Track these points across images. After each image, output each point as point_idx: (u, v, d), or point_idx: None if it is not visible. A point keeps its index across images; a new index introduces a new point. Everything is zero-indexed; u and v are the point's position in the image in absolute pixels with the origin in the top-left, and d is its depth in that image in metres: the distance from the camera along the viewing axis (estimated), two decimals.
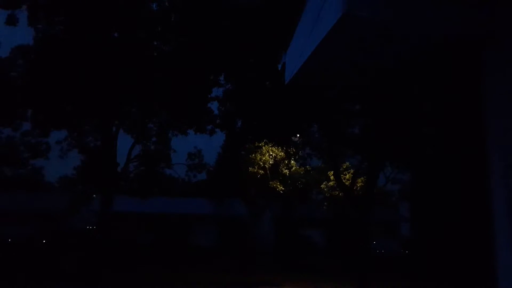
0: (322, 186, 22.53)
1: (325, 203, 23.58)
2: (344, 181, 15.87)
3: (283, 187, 22.01)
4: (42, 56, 14.55)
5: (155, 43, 13.24)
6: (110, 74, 13.75)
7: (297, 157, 22.31)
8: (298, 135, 17.82)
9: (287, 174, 22.19)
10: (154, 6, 13.61)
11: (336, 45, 2.17)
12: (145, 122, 17.41)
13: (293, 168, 22.35)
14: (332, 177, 18.86)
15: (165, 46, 13.20)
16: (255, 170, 21.49)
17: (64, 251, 22.19)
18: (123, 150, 18.77)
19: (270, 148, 20.17)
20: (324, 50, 2.24)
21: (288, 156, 21.19)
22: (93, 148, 19.37)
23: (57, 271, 18.31)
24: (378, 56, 2.31)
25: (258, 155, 20.81)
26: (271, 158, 21.11)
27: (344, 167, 19.08)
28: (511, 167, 1.93)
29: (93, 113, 15.83)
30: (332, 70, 2.62)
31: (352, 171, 17.61)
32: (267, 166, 21.60)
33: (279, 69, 3.02)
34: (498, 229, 2.00)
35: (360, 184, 15.24)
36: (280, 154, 20.78)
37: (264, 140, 18.34)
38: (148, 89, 13.52)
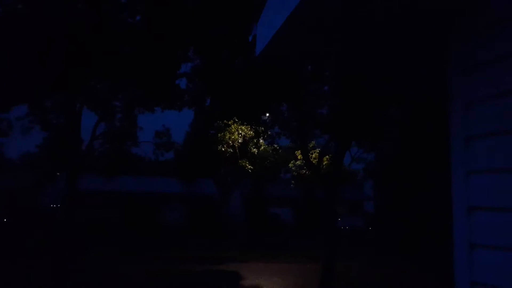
0: (290, 165, 22.79)
1: (293, 182, 23.92)
2: (311, 159, 16.07)
3: (252, 166, 22.12)
4: (1, 29, 13.80)
5: (121, 15, 12.77)
6: (74, 48, 13.23)
7: (265, 136, 22.42)
8: (267, 114, 17.85)
9: (256, 153, 22.29)
10: None
11: (310, 14, 2.15)
12: (111, 98, 16.95)
13: (262, 148, 22.46)
14: (299, 156, 19.07)
15: (131, 19, 12.77)
16: (224, 149, 21.46)
17: (27, 229, 21.64)
18: (88, 127, 18.29)
19: (239, 127, 20.13)
20: (297, 20, 2.21)
21: (257, 135, 21.25)
22: (56, 125, 18.76)
23: (22, 249, 17.88)
24: (352, 28, 2.32)
25: (227, 133, 20.75)
26: (240, 137, 21.10)
27: (311, 146, 19.32)
28: (471, 139, 2.00)
29: (56, 88, 15.25)
30: (305, 41, 2.61)
31: (318, 150, 17.88)
32: (236, 145, 21.60)
33: (250, 40, 2.98)
34: (455, 201, 2.07)
35: (326, 162, 15.51)
36: (249, 133, 20.80)
37: (233, 118, 18.27)
38: (114, 64, 13.11)
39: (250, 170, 21.76)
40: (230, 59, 9.70)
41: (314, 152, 18.37)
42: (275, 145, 23.17)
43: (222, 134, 20.65)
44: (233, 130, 20.30)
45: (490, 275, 1.80)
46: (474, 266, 1.88)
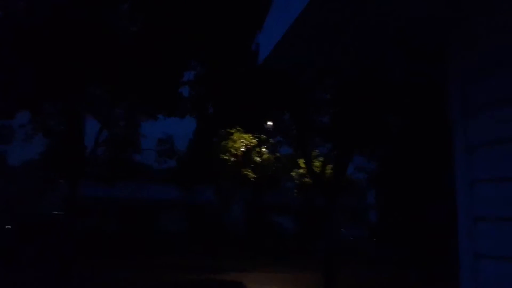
0: (292, 173, 22.73)
1: (295, 190, 23.85)
2: (314, 168, 16.04)
3: (254, 175, 22.07)
4: (1, 36, 13.90)
5: (122, 23, 12.81)
6: (75, 56, 13.30)
7: (268, 145, 22.39)
8: (270, 123, 17.84)
9: (259, 162, 22.24)
10: None
11: (312, 22, 2.15)
12: (113, 106, 16.98)
13: (264, 156, 22.39)
14: (302, 165, 19.04)
15: (132, 26, 12.82)
16: (227, 157, 21.43)
17: (30, 237, 21.65)
18: (91, 134, 18.34)
19: (242, 136, 20.12)
20: (299, 29, 2.22)
21: (259, 144, 21.22)
22: (58, 132, 18.80)
23: (25, 256, 17.86)
24: (353, 36, 2.32)
25: (230, 142, 20.74)
26: (243, 146, 21.08)
27: (314, 154, 19.29)
28: (474, 148, 1.98)
29: (57, 95, 15.31)
30: (307, 50, 2.61)
31: (320, 159, 17.85)
32: (239, 154, 21.56)
33: (253, 49, 2.98)
34: (460, 211, 2.05)
35: (329, 171, 15.49)
36: (251, 141, 20.77)
37: (236, 127, 18.28)
38: (115, 72, 13.16)
39: (253, 179, 21.72)
40: (232, 67, 9.74)
41: (317, 161, 18.35)
42: (277, 154, 23.14)
43: (225, 142, 20.64)
44: (235, 139, 20.29)
45: (495, 285, 1.77)
46: (479, 275, 1.85)
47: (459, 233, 1.99)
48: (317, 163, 17.58)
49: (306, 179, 20.61)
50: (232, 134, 19.50)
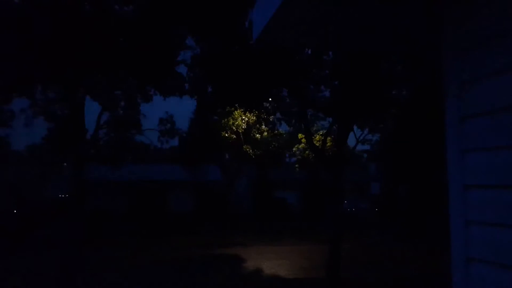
0: (294, 149, 22.86)
1: (297, 165, 24.02)
2: (314, 142, 16.09)
3: (255, 152, 22.18)
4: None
5: (117, 6, 12.65)
6: (72, 40, 13.18)
7: (268, 121, 22.42)
8: (270, 99, 17.79)
9: (259, 139, 22.33)
10: None
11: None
12: (112, 88, 16.94)
13: (265, 133, 22.48)
14: (303, 140, 19.11)
15: (126, 7, 12.65)
16: (228, 135, 21.51)
17: (37, 220, 21.97)
18: (93, 116, 18.36)
19: (242, 113, 20.11)
20: (291, 5, 2.22)
21: (259, 121, 21.25)
22: (59, 115, 18.85)
23: (33, 239, 18.17)
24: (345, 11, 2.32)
25: (231, 119, 20.75)
26: (243, 123, 21.11)
27: (314, 129, 19.34)
28: (465, 118, 2.01)
29: (57, 80, 15.25)
30: (300, 25, 2.61)
31: (321, 132, 17.87)
32: (240, 131, 21.62)
33: (246, 26, 2.98)
34: (451, 179, 2.08)
35: (329, 144, 15.55)
36: (252, 118, 20.79)
37: (236, 105, 18.24)
38: (110, 54, 13.06)
39: (253, 156, 21.82)
40: (227, 45, 9.65)
41: (318, 134, 18.40)
42: (277, 131, 23.20)
43: (225, 120, 20.67)
44: (236, 116, 20.30)
45: (485, 249, 1.84)
46: (470, 242, 1.92)
47: (450, 202, 2.03)
48: (318, 137, 17.64)
49: (306, 153, 20.71)
50: (232, 112, 19.48)
